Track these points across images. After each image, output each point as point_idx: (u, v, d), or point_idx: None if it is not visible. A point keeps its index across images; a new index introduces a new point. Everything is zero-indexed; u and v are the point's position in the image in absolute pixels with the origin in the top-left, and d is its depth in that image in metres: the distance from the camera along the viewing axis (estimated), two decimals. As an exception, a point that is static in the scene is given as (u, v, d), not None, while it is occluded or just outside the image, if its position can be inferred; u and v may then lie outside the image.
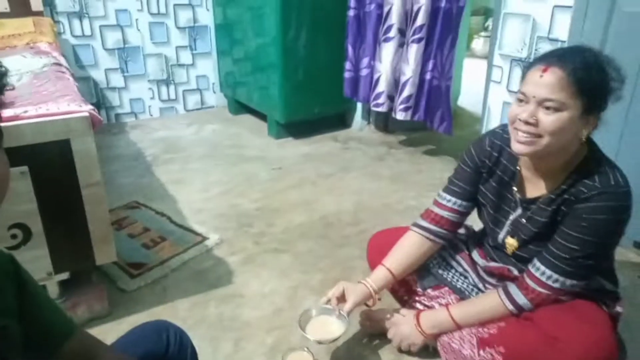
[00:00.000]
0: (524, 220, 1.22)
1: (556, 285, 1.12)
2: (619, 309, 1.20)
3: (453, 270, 1.46)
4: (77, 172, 1.40)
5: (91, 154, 1.41)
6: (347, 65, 3.02)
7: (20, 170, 1.32)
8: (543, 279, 1.13)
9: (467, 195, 1.35)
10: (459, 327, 1.27)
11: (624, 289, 1.71)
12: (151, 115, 3.63)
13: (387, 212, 2.28)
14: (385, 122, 3.37)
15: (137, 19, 3.35)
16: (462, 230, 1.50)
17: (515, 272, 1.27)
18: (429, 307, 1.44)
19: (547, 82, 1.02)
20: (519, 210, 1.24)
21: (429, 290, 1.46)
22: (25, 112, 1.31)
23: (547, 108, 1.03)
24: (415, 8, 2.64)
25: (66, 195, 1.41)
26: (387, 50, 2.79)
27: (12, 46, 2.46)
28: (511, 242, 1.25)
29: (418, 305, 1.47)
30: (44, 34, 2.66)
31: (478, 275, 1.40)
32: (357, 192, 2.50)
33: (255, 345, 1.48)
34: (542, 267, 1.14)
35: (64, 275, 1.51)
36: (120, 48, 3.36)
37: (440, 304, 1.42)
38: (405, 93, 2.79)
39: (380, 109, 2.93)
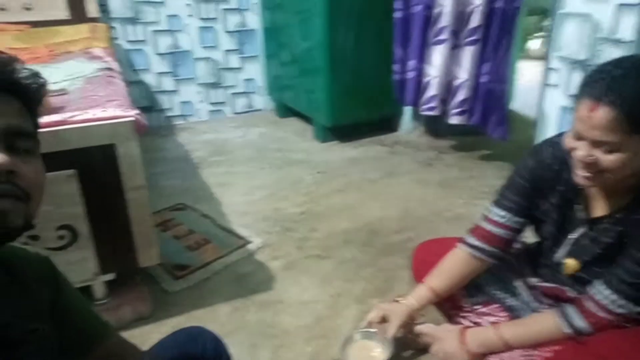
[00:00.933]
0: (587, 241, 1.12)
1: (620, 310, 1.03)
2: None
3: (504, 287, 1.37)
4: (122, 175, 1.42)
5: (135, 159, 1.42)
6: (396, 67, 2.95)
7: (68, 173, 1.35)
8: (606, 303, 1.04)
9: (522, 210, 1.23)
10: (508, 347, 1.18)
11: None
12: (200, 118, 3.69)
13: (435, 220, 2.19)
14: (434, 126, 3.26)
15: (187, 24, 3.42)
16: (515, 244, 1.40)
17: (571, 294, 1.17)
18: (476, 324, 1.36)
19: (597, 123, 0.91)
20: (582, 230, 1.14)
21: (478, 307, 1.38)
22: (72, 117, 1.34)
23: (602, 149, 0.94)
24: (469, 9, 2.54)
25: (111, 198, 1.44)
26: (439, 53, 2.70)
27: (68, 52, 2.56)
28: (571, 264, 1.15)
29: (464, 321, 1.39)
30: (99, 39, 2.74)
31: (531, 294, 1.30)
32: (403, 198, 2.42)
33: (295, 354, 1.45)
34: (607, 291, 1.05)
35: (110, 276, 1.54)
36: (171, 52, 3.44)
37: (489, 322, 1.33)
38: (460, 97, 2.70)
39: (432, 113, 2.84)
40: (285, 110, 3.71)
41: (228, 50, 3.62)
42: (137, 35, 3.32)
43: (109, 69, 2.22)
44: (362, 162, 2.88)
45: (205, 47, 3.53)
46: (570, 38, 2.12)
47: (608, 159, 0.93)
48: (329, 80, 2.99)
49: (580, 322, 1.07)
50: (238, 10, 3.55)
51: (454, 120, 2.74)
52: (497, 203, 1.28)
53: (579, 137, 0.96)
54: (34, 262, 0.77)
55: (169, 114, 3.60)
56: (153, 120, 3.53)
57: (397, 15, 2.84)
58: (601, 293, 1.06)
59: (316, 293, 1.72)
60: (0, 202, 0.58)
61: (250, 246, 2.00)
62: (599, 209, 1.10)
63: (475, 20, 2.50)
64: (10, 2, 2.81)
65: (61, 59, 2.43)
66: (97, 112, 1.39)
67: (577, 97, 0.97)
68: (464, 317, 1.40)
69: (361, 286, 1.75)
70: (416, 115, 3.29)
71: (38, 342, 0.69)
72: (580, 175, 1.00)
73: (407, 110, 3.28)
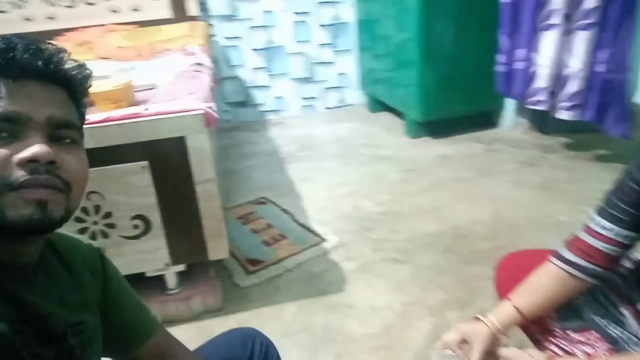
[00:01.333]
0: None
1: None
2: None
3: (607, 313, 1.14)
4: (192, 168, 1.43)
5: (205, 151, 1.42)
6: (502, 58, 2.69)
7: (141, 165, 1.39)
8: None
9: (634, 223, 1.01)
10: None
11: None
12: (292, 113, 3.71)
13: (531, 227, 1.95)
14: (541, 122, 2.94)
15: (281, 19, 3.44)
16: (624, 261, 1.17)
17: None
18: (568, 353, 1.16)
19: None
20: None
21: (571, 332, 1.18)
22: (146, 109, 1.36)
23: None
24: None
25: (182, 190, 1.45)
26: (549, 40, 2.41)
27: (167, 49, 2.68)
28: None
29: (554, 348, 1.19)
30: (197, 36, 2.85)
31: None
32: (497, 200, 2.20)
33: (357, 363, 1.36)
34: None
35: (181, 267, 1.57)
36: (265, 48, 3.49)
37: (585, 352, 1.13)
38: (572, 89, 2.39)
39: (539, 107, 2.55)
40: (378, 105, 3.59)
41: (321, 44, 3.59)
42: (234, 32, 3.41)
43: (199, 64, 2.28)
44: (454, 160, 2.68)
45: (298, 42, 3.53)
46: None
47: None
48: (421, 72, 2.82)
49: None
50: (332, 2, 3.50)
51: (564, 115, 2.44)
52: (602, 212, 1.05)
53: None
54: (86, 252, 0.77)
55: (263, 108, 3.66)
56: (247, 115, 3.62)
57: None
58: None
59: (388, 300, 1.61)
60: (40, 193, 0.57)
61: (325, 244, 1.94)
62: None
63: (591, 1, 2.19)
64: (121, 4, 3.03)
65: (161, 56, 2.56)
66: (170, 105, 1.40)
67: None
68: (553, 342, 1.20)
69: (438, 296, 1.61)
70: (520, 110, 2.99)
71: (81, 335, 0.68)
72: None
73: (510, 104, 3.00)
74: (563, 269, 1.11)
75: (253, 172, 2.73)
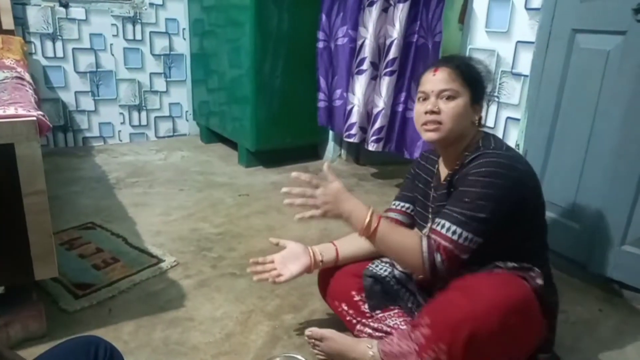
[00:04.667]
0: (433, 206, 1.33)
1: (455, 237, 1.12)
2: (539, 281, 1.18)
3: (404, 289, 1.43)
4: (20, 178, 1.33)
5: (36, 160, 1.34)
6: (321, 95, 3.04)
7: (-44, 173, 1.25)
8: (443, 231, 1.14)
9: (412, 199, 1.48)
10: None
11: (586, 322, 1.69)
12: (120, 140, 3.57)
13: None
14: (356, 154, 3.37)
15: (111, 44, 3.35)
16: None
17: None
18: (376, 330, 1.38)
19: (440, 78, 1.22)
20: (432, 197, 1.35)
21: (379, 313, 1.42)
22: (-34, 113, 1.25)
23: (446, 98, 1.21)
24: (387, 42, 2.69)
25: (6, 202, 1.34)
26: (360, 83, 2.82)
27: (-24, 61, 2.41)
28: None
29: (365, 328, 1.41)
30: (12, 51, 2.61)
31: (418, 291, 1.39)
32: (324, 220, 2.43)
33: (201, 370, 1.39)
34: (441, 220, 1.16)
35: (-1, 290, 1.42)
36: (92, 71, 3.33)
37: (388, 325, 1.36)
38: (378, 124, 2.81)
39: (352, 140, 2.94)
40: (211, 136, 3.68)
41: (154, 73, 3.57)
42: (57, 52, 3.19)
43: (20, 77, 2.11)
44: (285, 186, 2.88)
45: (129, 69, 3.46)
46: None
47: (449, 106, 1.21)
48: (254, 107, 3.02)
49: (433, 250, 1.13)
50: (166, 34, 3.53)
51: (371, 147, 2.86)
52: (396, 196, 1.54)
53: (425, 97, 1.24)
54: None
55: (87, 134, 3.45)
56: (69, 140, 3.36)
57: (320, 45, 2.95)
58: (438, 224, 1.16)
59: (228, 310, 1.68)
60: None
61: (162, 265, 1.93)
62: (443, 177, 1.32)
63: (392, 52, 2.65)
64: None
65: (-33, 67, 2.28)
66: (-5, 111, 1.31)
67: (421, 75, 1.30)
68: (365, 324, 1.42)
69: (275, 303, 1.73)
70: (340, 144, 3.38)
71: None
72: (427, 129, 1.23)
73: (331, 139, 3.37)
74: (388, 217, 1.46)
75: (78, 198, 2.55)
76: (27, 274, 1.41)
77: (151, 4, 3.41)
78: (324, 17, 2.91)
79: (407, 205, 1.48)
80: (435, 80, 1.23)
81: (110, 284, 1.78)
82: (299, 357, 1.36)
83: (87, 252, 2.00)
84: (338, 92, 2.98)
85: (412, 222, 1.46)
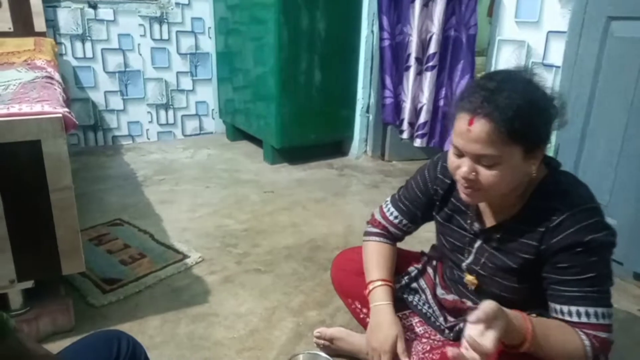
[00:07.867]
0: (480, 257, 1.11)
1: (606, 321, 0.95)
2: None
3: (418, 296, 1.36)
4: (47, 174, 1.35)
5: (62, 157, 1.36)
6: (387, 92, 3.06)
7: (-14, 168, 1.28)
8: (592, 320, 0.94)
9: (411, 215, 1.29)
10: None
11: (621, 320, 1.62)
12: (148, 138, 3.62)
13: (377, 237, 2.20)
14: (382, 151, 3.33)
15: (139, 44, 3.40)
16: (434, 253, 1.40)
17: (469, 304, 1.16)
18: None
19: (476, 136, 0.90)
20: (478, 243, 1.12)
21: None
22: (-5, 110, 1.28)
23: (485, 164, 0.92)
24: (428, 37, 2.70)
25: (34, 198, 1.36)
26: (407, 79, 2.90)
27: (10, 62, 2.47)
28: (470, 279, 1.15)
29: None
30: (43, 52, 2.68)
31: (438, 305, 1.30)
32: (348, 216, 2.43)
33: (224, 366, 1.39)
34: (577, 308, 0.94)
35: (28, 284, 1.44)
36: (121, 71, 3.39)
37: (403, 324, 1.31)
38: (422, 119, 2.89)
39: (403, 136, 3.03)
40: (236, 133, 3.69)
41: (180, 72, 3.60)
42: (86, 53, 3.26)
43: (50, 77, 2.15)
44: (310, 183, 2.88)
45: (156, 68, 3.50)
46: (507, 63, 2.24)
47: (488, 174, 0.93)
48: (279, 104, 3.01)
49: (602, 357, 0.95)
50: (192, 32, 3.56)
51: (417, 142, 2.95)
52: (393, 201, 1.33)
53: (460, 154, 0.96)
54: None
55: (116, 133, 3.51)
56: (98, 139, 3.43)
57: (385, 43, 2.97)
58: (572, 314, 0.95)
59: (252, 306, 1.67)
60: None
61: (187, 261, 1.94)
62: (493, 220, 1.08)
63: (432, 47, 2.64)
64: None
65: (1, 69, 2.34)
66: (24, 107, 1.33)
67: (455, 113, 0.96)
68: None
69: (299, 299, 1.72)
70: (365, 141, 3.35)
71: None
72: (464, 192, 1.00)
73: (357, 136, 3.34)
74: (379, 241, 1.32)
75: (107, 195, 2.60)
76: (54, 268, 1.44)
77: (177, 4, 3.45)
78: (384, 17, 2.93)
79: (405, 222, 1.29)
80: (470, 138, 0.91)
81: (137, 279, 1.80)
82: (323, 354, 1.34)
83: (114, 248, 2.02)
84: (400, 88, 3.03)
85: (403, 235, 1.34)
